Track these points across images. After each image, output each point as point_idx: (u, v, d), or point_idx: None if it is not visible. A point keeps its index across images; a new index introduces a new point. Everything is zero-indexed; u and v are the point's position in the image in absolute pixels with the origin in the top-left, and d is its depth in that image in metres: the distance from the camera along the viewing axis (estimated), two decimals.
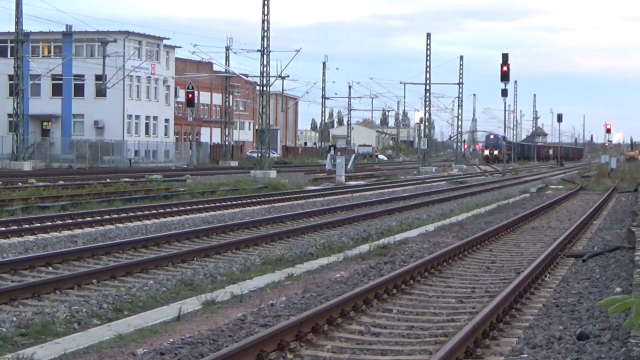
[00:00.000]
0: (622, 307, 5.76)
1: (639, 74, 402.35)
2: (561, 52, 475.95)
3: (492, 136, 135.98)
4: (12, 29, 65.20)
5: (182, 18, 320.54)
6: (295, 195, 39.15)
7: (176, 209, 30.36)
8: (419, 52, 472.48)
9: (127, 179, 46.16)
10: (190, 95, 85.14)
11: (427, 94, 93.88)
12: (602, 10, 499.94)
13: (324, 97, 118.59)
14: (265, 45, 61.85)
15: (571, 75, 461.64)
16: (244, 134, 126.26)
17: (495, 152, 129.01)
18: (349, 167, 60.72)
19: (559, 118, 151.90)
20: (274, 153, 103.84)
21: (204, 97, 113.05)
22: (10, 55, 78.34)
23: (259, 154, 62.47)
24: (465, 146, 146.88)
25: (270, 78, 65.75)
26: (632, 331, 9.59)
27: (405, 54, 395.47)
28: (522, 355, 10.36)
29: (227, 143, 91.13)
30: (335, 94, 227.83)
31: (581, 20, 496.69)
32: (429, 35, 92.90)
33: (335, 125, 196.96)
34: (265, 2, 60.94)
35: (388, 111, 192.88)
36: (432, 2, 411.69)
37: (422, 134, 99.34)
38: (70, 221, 24.93)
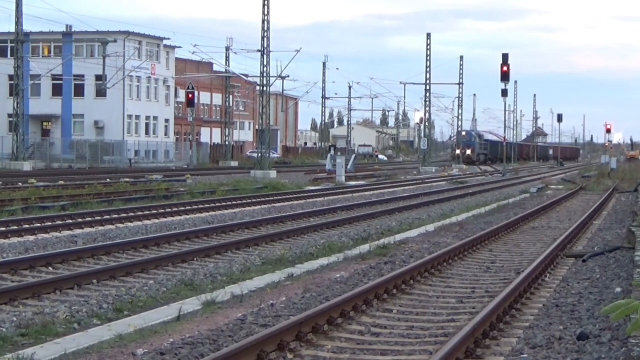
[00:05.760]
0: (625, 311, 5.73)
1: (637, 73, 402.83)
2: (558, 52, 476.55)
3: (463, 132, 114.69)
4: (12, 29, 65.24)
5: (181, 18, 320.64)
6: (295, 195, 39.15)
7: (176, 209, 30.36)
8: (416, 51, 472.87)
9: (127, 179, 46.14)
10: (190, 95, 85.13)
11: (427, 94, 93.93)
12: (596, 10, 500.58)
13: (324, 97, 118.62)
14: (265, 45, 61.86)
15: (569, 75, 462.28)
16: (244, 134, 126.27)
17: (468, 152, 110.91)
18: (349, 167, 60.71)
19: (559, 118, 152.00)
20: (274, 153, 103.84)
21: (204, 97, 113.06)
22: (10, 55, 78.32)
23: (259, 154, 62.46)
24: None
25: (270, 78, 65.82)
26: (634, 333, 9.59)
27: (401, 54, 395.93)
28: (522, 355, 10.36)
29: (227, 143, 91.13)
30: (335, 94, 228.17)
31: (576, 20, 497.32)
32: (428, 35, 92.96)
33: (335, 125, 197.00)
34: (265, 2, 60.94)
35: (388, 111, 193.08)
36: (427, 2, 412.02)
37: (422, 134, 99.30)
38: (70, 221, 24.92)
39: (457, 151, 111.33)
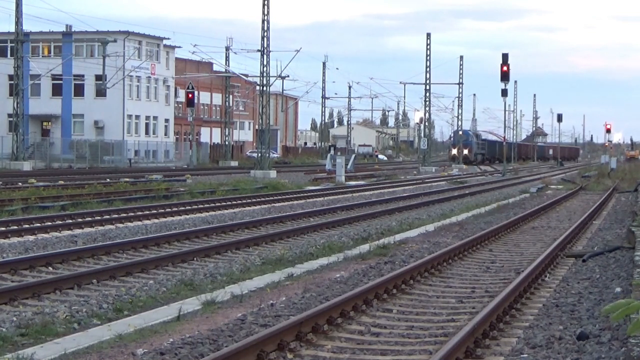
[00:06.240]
0: (626, 312, 5.73)
1: (637, 73, 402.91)
2: (558, 52, 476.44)
3: (460, 132, 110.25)
4: (12, 29, 65.25)
5: (181, 18, 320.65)
6: (295, 195, 39.15)
7: (176, 209, 30.36)
8: (416, 51, 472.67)
9: (127, 179, 46.14)
10: (190, 95, 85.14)
11: (427, 94, 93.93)
12: (596, 10, 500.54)
13: (324, 97, 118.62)
14: (265, 45, 61.86)
15: (569, 75, 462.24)
16: (244, 134, 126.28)
17: (465, 152, 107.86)
18: (349, 167, 60.71)
19: (559, 118, 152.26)
20: (274, 153, 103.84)
21: (204, 97, 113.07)
22: (10, 55, 78.33)
23: (259, 154, 62.47)
24: None
25: (270, 78, 65.81)
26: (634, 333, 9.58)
27: (401, 54, 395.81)
28: (522, 355, 10.37)
29: (227, 143, 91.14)
30: (335, 94, 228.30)
31: (576, 20, 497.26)
32: (428, 35, 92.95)
33: (335, 125, 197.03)
34: (265, 2, 60.94)
35: (388, 111, 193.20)
36: (427, 2, 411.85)
37: (422, 134, 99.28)
38: (70, 221, 24.92)
39: (454, 151, 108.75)
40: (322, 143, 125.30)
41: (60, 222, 24.67)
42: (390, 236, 23.49)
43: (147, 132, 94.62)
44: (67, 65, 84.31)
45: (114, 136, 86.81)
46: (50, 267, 16.88)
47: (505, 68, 67.47)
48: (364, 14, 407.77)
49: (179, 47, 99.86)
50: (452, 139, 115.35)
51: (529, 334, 11.53)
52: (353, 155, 76.59)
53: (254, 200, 36.15)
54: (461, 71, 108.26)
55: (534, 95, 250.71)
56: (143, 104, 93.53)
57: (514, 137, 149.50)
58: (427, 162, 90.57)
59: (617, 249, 19.84)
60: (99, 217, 26.26)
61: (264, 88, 64.12)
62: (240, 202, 34.83)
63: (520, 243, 22.74)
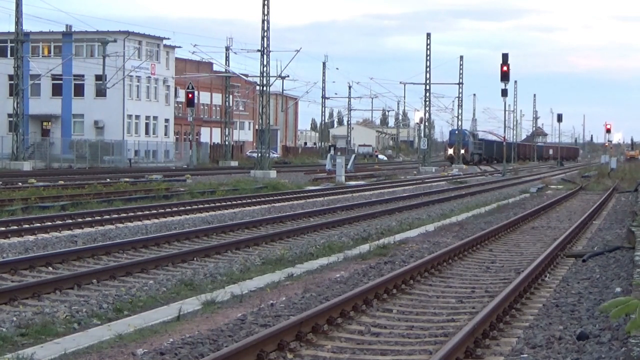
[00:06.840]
0: (624, 310, 5.74)
1: (637, 73, 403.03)
2: (558, 52, 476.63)
3: (457, 131, 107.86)
4: (12, 29, 65.24)
5: (181, 18, 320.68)
6: (295, 195, 39.14)
7: (176, 209, 30.36)
8: (415, 51, 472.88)
9: (127, 179, 46.13)
10: (190, 95, 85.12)
11: (427, 94, 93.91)
12: (595, 10, 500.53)
13: (324, 97, 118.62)
14: (265, 45, 61.86)
15: (569, 75, 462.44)
16: (244, 134, 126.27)
17: (462, 152, 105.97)
18: (349, 167, 60.70)
19: (559, 118, 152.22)
20: (274, 153, 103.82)
21: (204, 97, 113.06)
22: (10, 55, 78.32)
23: (259, 154, 62.47)
24: None
25: (270, 78, 65.80)
26: (632, 331, 9.58)
27: (401, 54, 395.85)
28: (522, 355, 10.37)
29: (227, 143, 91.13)
30: (335, 94, 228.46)
31: (575, 20, 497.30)
32: (428, 35, 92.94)
33: (335, 125, 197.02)
34: (265, 2, 60.95)
35: (388, 111, 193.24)
36: (426, 2, 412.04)
37: (422, 134, 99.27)
38: (70, 221, 24.92)
39: (450, 151, 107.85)
40: (322, 143, 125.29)
41: (60, 222, 24.67)
42: (390, 236, 23.49)
43: (147, 132, 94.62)
44: (67, 65, 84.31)
45: (114, 136, 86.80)
46: (50, 267, 16.88)
47: (505, 68, 67.50)
48: (364, 14, 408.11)
49: (179, 47, 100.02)
50: (448, 138, 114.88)
51: (529, 334, 11.54)
52: (353, 155, 76.60)
53: (254, 200, 36.15)
54: (461, 71, 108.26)
55: (534, 95, 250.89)
56: (143, 104, 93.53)
57: (514, 137, 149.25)
58: (427, 162, 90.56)
59: (617, 249, 19.84)
60: (99, 217, 26.26)
61: (264, 88, 64.13)
62: (240, 202, 34.83)
63: (520, 243, 22.74)
